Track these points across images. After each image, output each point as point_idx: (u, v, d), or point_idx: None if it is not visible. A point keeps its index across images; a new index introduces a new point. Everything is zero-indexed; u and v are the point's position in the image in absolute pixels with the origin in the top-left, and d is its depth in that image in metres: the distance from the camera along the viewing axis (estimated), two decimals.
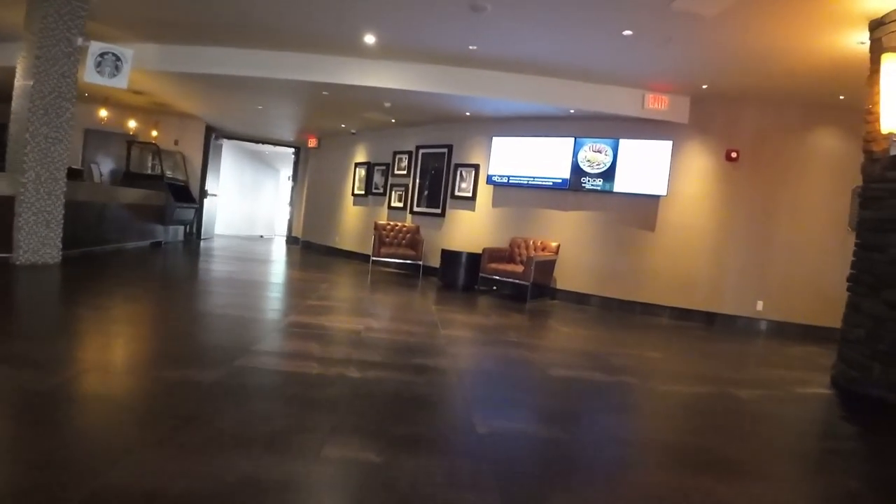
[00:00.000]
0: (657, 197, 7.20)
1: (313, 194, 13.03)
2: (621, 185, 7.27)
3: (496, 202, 8.33)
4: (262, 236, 16.08)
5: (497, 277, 7.37)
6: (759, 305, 6.94)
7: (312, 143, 12.97)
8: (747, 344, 5.95)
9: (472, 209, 8.58)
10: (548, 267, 7.38)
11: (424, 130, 9.39)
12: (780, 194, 6.92)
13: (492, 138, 8.17)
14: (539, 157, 7.77)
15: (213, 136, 12.37)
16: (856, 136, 6.71)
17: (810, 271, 6.86)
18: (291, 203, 15.10)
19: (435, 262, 8.35)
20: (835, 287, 7.04)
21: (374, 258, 8.57)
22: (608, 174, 7.34)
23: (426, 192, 9.25)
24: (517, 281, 7.09)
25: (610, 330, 5.90)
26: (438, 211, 8.98)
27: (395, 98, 7.70)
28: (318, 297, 5.89)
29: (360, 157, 11.01)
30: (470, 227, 8.58)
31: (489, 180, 8.19)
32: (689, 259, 7.13)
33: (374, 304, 5.98)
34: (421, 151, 9.40)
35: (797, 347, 6.02)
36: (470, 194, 8.57)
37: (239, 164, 16.08)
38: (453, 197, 8.80)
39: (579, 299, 7.58)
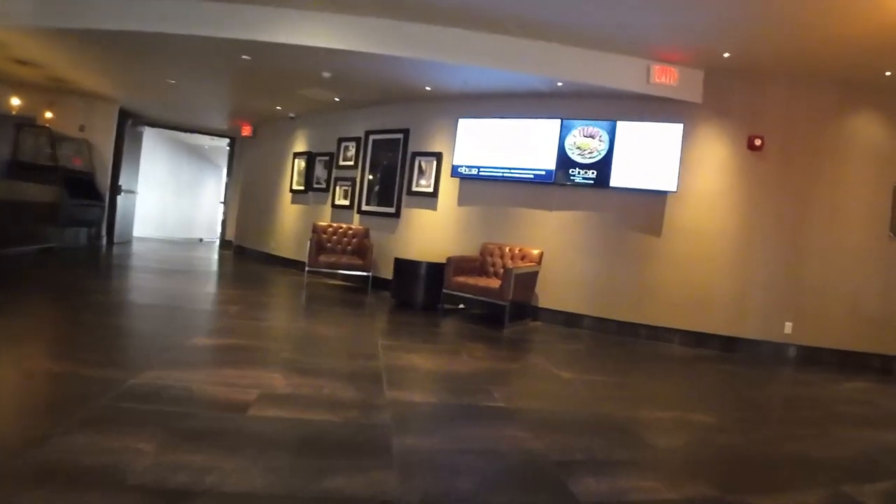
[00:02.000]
0: (664, 193, 5.77)
1: (248, 191, 11.18)
2: (619, 178, 5.80)
3: (463, 199, 6.75)
4: (201, 240, 14.17)
5: (465, 295, 5.79)
6: (788, 328, 5.60)
7: (247, 131, 11.15)
8: (800, 382, 4.55)
9: (434, 208, 6.97)
10: (529, 281, 5.85)
11: (375, 112, 7.74)
12: (812, 192, 5.60)
13: (457, 120, 6.60)
14: (517, 144, 6.24)
15: (129, 122, 10.42)
16: None
17: (847, 286, 5.59)
18: (226, 202, 13.18)
19: (388, 272, 6.71)
20: (875, 305, 5.75)
21: (311, 268, 6.86)
22: (603, 165, 5.86)
23: (377, 188, 7.59)
24: (491, 300, 5.52)
25: (621, 369, 4.39)
26: (392, 210, 7.34)
27: (335, 65, 6.03)
28: (213, 331, 4.17)
29: (300, 146, 9.26)
30: (431, 231, 6.97)
31: (454, 172, 6.60)
32: (703, 271, 5.72)
33: (293, 341, 4.27)
34: (371, 138, 7.74)
35: (847, 383, 4.68)
36: (431, 190, 6.96)
37: (175, 159, 14.37)
38: (410, 193, 7.18)
39: (568, 321, 6.07)
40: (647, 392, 3.82)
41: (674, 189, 5.65)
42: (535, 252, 5.96)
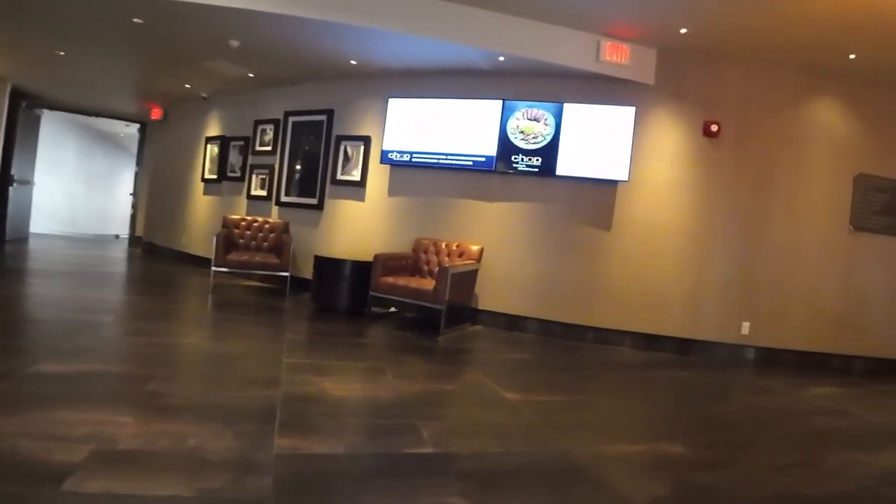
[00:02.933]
0: (614, 183, 5.24)
1: (157, 182, 9.98)
2: (566, 166, 5.23)
3: (394, 189, 6.00)
4: (118, 236, 12.78)
5: (395, 298, 5.06)
6: (745, 328, 5.21)
7: (157, 114, 9.96)
8: (765, 390, 4.09)
9: (362, 199, 6.19)
10: (467, 280, 5.19)
11: (296, 91, 6.85)
12: (771, 183, 5.23)
13: (388, 100, 5.84)
14: (454, 127, 5.55)
15: (22, 104, 9.06)
16: (859, 110, 5.25)
17: (806, 283, 5.25)
18: (136, 194, 11.85)
19: (309, 271, 5.87)
20: (835, 303, 5.22)
21: (219, 268, 5.93)
22: (549, 151, 5.27)
23: (298, 176, 6.72)
24: (425, 304, 4.82)
25: (573, 383, 3.78)
26: (314, 201, 6.50)
27: (243, 31, 5.14)
28: (69, 352, 3.24)
29: (213, 129, 8.23)
30: (358, 225, 6.19)
31: (384, 158, 5.85)
32: (655, 267, 5.23)
33: (171, 364, 3.41)
34: (291, 120, 6.85)
35: (814, 388, 4.29)
36: (358, 178, 6.17)
37: (86, 147, 12.94)
38: (335, 182, 6.36)
39: (511, 324, 5.46)
40: (607, 413, 3.22)
41: (625, 178, 5.12)
42: (475, 248, 5.30)
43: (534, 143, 5.31)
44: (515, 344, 4.90)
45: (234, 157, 7.62)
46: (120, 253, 9.38)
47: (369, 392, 3.09)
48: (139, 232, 10.87)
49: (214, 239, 5.96)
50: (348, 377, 3.35)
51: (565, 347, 4.95)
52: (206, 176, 8.16)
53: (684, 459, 2.56)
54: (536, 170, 5.29)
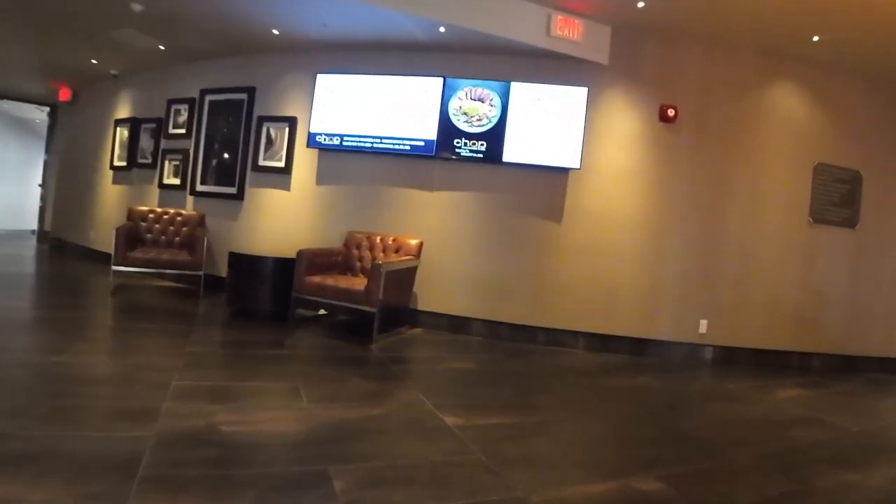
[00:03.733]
0: (566, 171, 4.79)
1: (65, 170, 8.93)
2: (514, 152, 4.74)
3: (324, 176, 5.36)
4: (34, 231, 11.50)
5: (323, 300, 4.44)
6: (703, 326, 4.89)
7: (65, 95, 8.87)
8: (730, 396, 3.72)
9: (287, 188, 5.50)
10: (405, 279, 4.63)
11: (213, 67, 6.08)
12: (729, 172, 4.94)
13: (316, 76, 5.19)
14: (390, 107, 4.96)
15: None
16: (820, 97, 4.96)
17: (765, 278, 5.00)
18: (44, 184, 10.66)
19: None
20: (794, 299, 4.90)
21: (118, 267, 5.13)
22: (494, 135, 4.77)
23: (215, 162, 5.96)
24: (356, 306, 4.23)
25: (525, 399, 3.28)
26: (234, 191, 5.77)
27: None
28: None
29: (124, 111, 7.32)
30: (284, 217, 5.51)
31: (312, 142, 5.20)
32: (609, 262, 4.83)
33: (24, 391, 2.69)
34: (208, 99, 6.08)
35: (779, 391, 3.98)
36: (282, 164, 5.48)
37: None
38: (257, 169, 5.65)
39: (454, 326, 4.94)
40: (565, 439, 2.73)
41: (577, 166, 4.68)
42: (413, 242, 4.75)
43: (478, 125, 4.79)
44: (459, 349, 4.39)
45: (146, 142, 6.76)
46: (24, 250, 8.32)
47: (274, 425, 2.48)
48: (48, 226, 9.74)
49: (114, 233, 5.16)
50: (251, 404, 2.72)
51: (514, 351, 4.47)
52: (116, 163, 7.25)
53: (662, 498, 2.10)
54: (481, 156, 4.77)
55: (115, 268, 5.11)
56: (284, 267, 4.59)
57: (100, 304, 4.80)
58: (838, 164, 5.03)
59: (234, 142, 5.78)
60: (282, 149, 5.46)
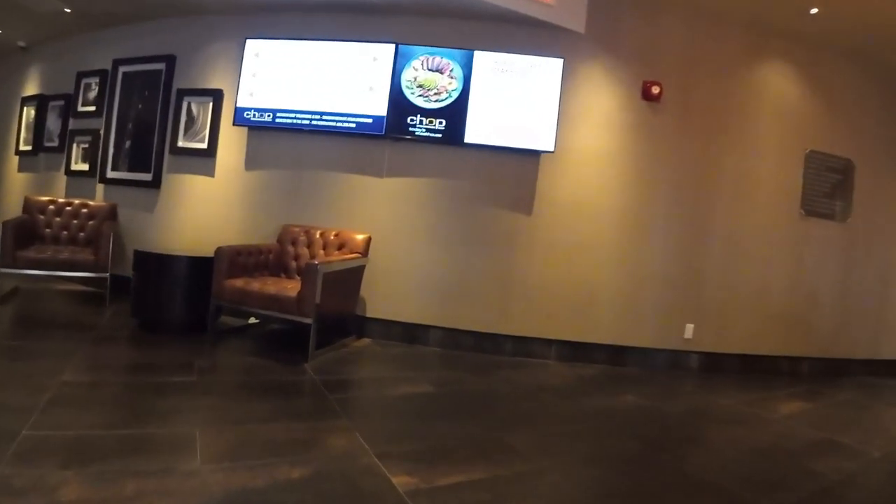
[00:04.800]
0: (537, 154, 4.15)
1: None
2: (477, 131, 4.06)
3: (253, 160, 4.56)
4: None
5: (248, 308, 3.68)
6: (689, 331, 4.35)
7: None
8: (730, 417, 3.14)
9: (211, 173, 4.68)
10: (349, 281, 3.91)
11: (128, 33, 5.18)
12: (716, 159, 4.42)
13: (244, 42, 4.39)
14: (332, 78, 4.21)
15: None
16: (813, 79, 4.46)
17: (754, 276, 4.50)
18: None
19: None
20: (784, 299, 4.38)
21: (5, 269, 4.24)
22: (455, 112, 4.07)
23: (129, 144, 5.09)
24: (288, 316, 3.49)
25: (496, 436, 2.59)
26: (149, 177, 4.91)
27: None
28: None
29: (31, 87, 6.33)
30: (207, 207, 4.69)
31: (239, 118, 4.40)
32: (586, 260, 4.23)
33: None
34: (122, 70, 5.18)
35: (780, 404, 3.44)
36: (205, 145, 4.66)
37: None
38: (176, 151, 4.80)
39: (408, 335, 4.24)
40: (551, 501, 2.08)
41: (550, 148, 4.04)
42: (360, 238, 4.02)
43: (436, 100, 4.09)
44: (413, 365, 3.70)
45: (53, 122, 5.80)
46: None
47: (143, 496, 1.74)
48: None
49: (0, 228, 4.27)
50: (119, 469, 1.94)
51: (478, 366, 3.82)
52: (21, 147, 6.26)
53: None
54: (440, 136, 4.08)
55: (2, 269, 4.22)
56: (203, 268, 3.80)
57: None
58: (830, 152, 4.57)
59: (150, 120, 4.92)
60: (205, 127, 4.63)
